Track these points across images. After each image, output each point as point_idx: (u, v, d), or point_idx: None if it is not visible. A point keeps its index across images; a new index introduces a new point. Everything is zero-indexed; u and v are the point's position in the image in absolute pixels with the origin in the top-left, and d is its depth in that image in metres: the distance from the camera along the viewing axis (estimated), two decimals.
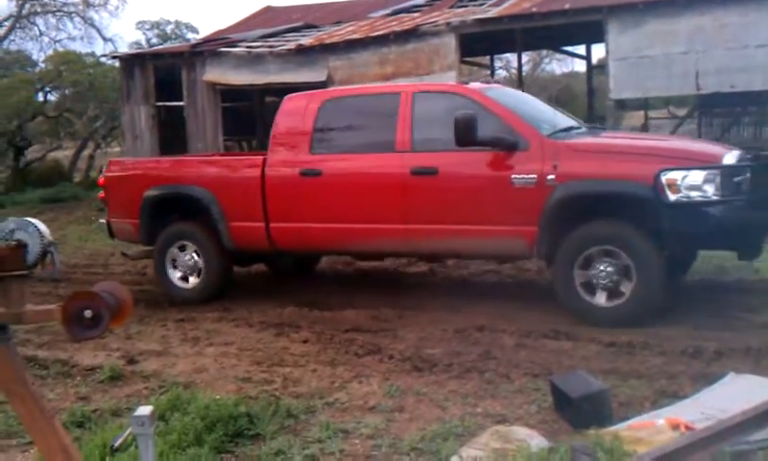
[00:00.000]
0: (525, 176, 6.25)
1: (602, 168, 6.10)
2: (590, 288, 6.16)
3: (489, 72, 25.13)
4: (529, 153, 6.28)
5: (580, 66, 29.04)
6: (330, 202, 7.05)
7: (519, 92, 8.43)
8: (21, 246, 2.42)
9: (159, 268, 7.89)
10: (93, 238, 13.40)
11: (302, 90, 8.30)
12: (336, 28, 19.05)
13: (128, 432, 2.50)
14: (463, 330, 6.10)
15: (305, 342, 6.05)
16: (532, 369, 5.09)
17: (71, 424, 4.47)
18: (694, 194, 5.82)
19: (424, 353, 5.54)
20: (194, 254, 7.74)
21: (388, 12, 19.65)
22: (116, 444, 2.51)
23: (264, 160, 7.41)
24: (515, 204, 6.29)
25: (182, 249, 7.80)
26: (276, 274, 9.15)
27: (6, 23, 27.26)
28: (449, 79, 15.60)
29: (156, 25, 38.05)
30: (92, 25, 28.65)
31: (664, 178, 5.81)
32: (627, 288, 6.02)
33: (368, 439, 4.09)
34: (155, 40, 36.58)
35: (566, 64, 39.05)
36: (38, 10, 27.82)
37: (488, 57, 24.81)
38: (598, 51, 23.04)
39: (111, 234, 8.55)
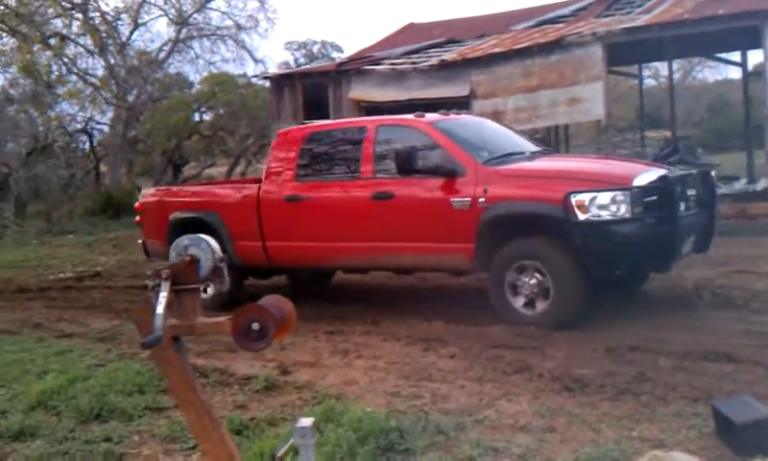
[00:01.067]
0: (461, 199, 7.16)
1: (521, 191, 6.97)
2: (519, 298, 6.99)
3: (636, 81, 24.31)
4: (465, 178, 7.19)
5: (734, 73, 27.56)
6: (309, 223, 8.15)
7: (479, 121, 9.12)
8: (194, 261, 2.55)
9: None
10: None
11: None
12: (479, 42, 19.01)
13: (290, 443, 2.57)
14: (614, 350, 5.92)
15: (452, 357, 6.04)
16: (691, 392, 4.85)
17: (230, 431, 4.64)
18: (603, 213, 6.53)
19: (575, 373, 5.40)
20: None
21: (531, 23, 19.43)
22: (278, 454, 2.58)
23: (259, 187, 8.57)
24: (455, 224, 7.19)
25: None
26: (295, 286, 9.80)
27: (165, 48, 28.99)
28: (596, 90, 15.23)
29: (303, 45, 39.40)
30: (244, 47, 29.93)
31: (574, 199, 6.54)
32: (547, 299, 6.81)
33: (519, 459, 4.03)
34: (302, 60, 37.85)
35: (719, 72, 37.23)
36: (195, 34, 29.34)
37: (635, 65, 24.00)
38: (754, 57, 21.75)
39: (147, 253, 9.76)
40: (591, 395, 4.95)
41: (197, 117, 30.00)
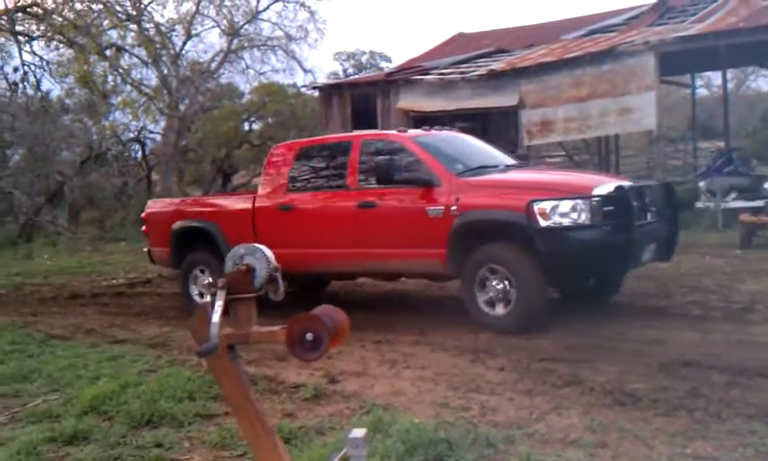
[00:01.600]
0: (436, 207, 7.68)
1: (488, 200, 7.52)
2: (488, 300, 7.42)
3: (689, 91, 23.93)
4: (440, 189, 7.71)
5: None
6: (300, 231, 8.64)
7: (457, 137, 9.48)
8: (250, 270, 2.57)
9: (183, 287, 9.68)
10: None
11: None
12: (528, 51, 18.92)
13: (342, 453, 2.57)
14: (668, 365, 5.81)
15: (501, 370, 5.99)
16: (746, 409, 4.73)
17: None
18: (564, 220, 7.07)
19: (627, 387, 5.31)
20: (209, 277, 9.34)
21: (582, 32, 19.28)
22: None
23: (254, 198, 9.22)
24: (430, 231, 7.70)
25: (203, 271, 9.47)
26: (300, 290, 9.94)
27: (217, 58, 29.40)
28: (648, 100, 15.03)
29: (351, 55, 39.62)
30: (294, 57, 30.16)
31: (536, 207, 7.06)
32: (512, 301, 7.26)
33: None
34: (350, 70, 38.08)
35: None
36: (245, 45, 29.69)
37: (687, 75, 23.63)
38: None
39: (152, 261, 10.49)
40: (644, 410, 4.86)
41: (246, 127, 30.36)
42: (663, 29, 16.68)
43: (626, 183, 7.78)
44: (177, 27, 27.57)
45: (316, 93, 21.82)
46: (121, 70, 20.73)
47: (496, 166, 8.50)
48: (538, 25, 23.61)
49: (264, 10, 28.83)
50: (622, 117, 15.57)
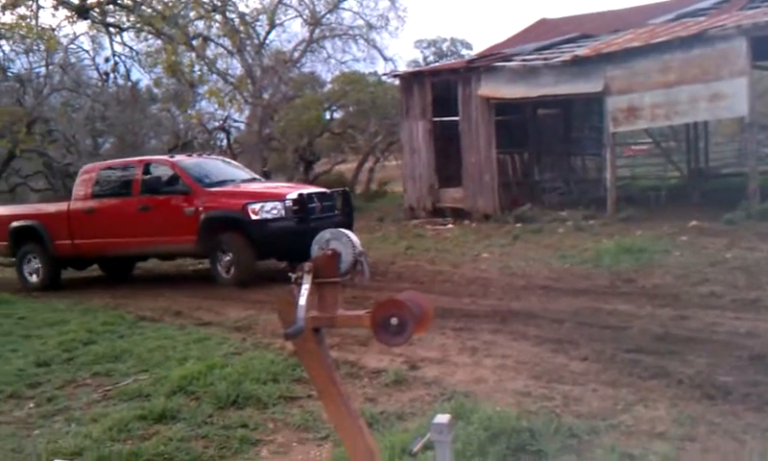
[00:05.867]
0: (189, 208, 11.43)
1: (220, 203, 11.42)
2: (223, 268, 11.27)
3: None
4: (193, 196, 11.48)
5: None
6: (100, 227, 12.24)
7: (212, 161, 13.72)
8: (336, 255, 2.60)
9: (19, 269, 13.11)
10: (376, 246, 14.15)
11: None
12: (613, 37, 18.43)
13: (426, 438, 2.58)
14: (761, 358, 5.59)
15: (585, 360, 5.90)
16: None
17: None
18: (267, 215, 10.97)
19: (717, 381, 5.15)
20: (36, 261, 12.87)
21: (670, 16, 18.65)
22: (414, 449, 2.59)
23: (68, 204, 12.73)
24: (186, 224, 11.37)
25: (34, 258, 12.93)
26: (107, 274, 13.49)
27: (299, 48, 29.71)
28: (740, 85, 14.48)
29: (432, 43, 39.36)
30: (374, 46, 30.22)
31: (249, 207, 10.97)
32: (233, 268, 11.17)
33: None
34: (431, 58, 37.86)
35: None
36: (327, 34, 29.89)
37: None
38: None
39: None
40: (734, 404, 4.71)
41: (328, 115, 30.55)
42: (757, 12, 15.97)
43: (308, 191, 11.85)
44: (260, 17, 27.98)
45: (396, 81, 21.75)
46: (207, 60, 21.13)
47: (233, 181, 12.38)
48: (623, 9, 22.96)
49: None
50: (712, 103, 15.02)
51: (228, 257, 11.12)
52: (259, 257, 11.33)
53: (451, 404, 4.74)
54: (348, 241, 2.59)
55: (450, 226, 17.30)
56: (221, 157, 14.29)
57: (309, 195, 11.52)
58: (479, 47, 37.00)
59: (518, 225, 15.65)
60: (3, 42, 18.15)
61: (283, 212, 10.94)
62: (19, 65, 20.63)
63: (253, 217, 10.86)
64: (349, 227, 11.27)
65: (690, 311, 7.33)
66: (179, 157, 12.68)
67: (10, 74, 20.30)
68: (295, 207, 11.05)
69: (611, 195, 16.26)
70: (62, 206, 12.83)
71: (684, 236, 12.20)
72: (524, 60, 18.01)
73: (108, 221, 12.16)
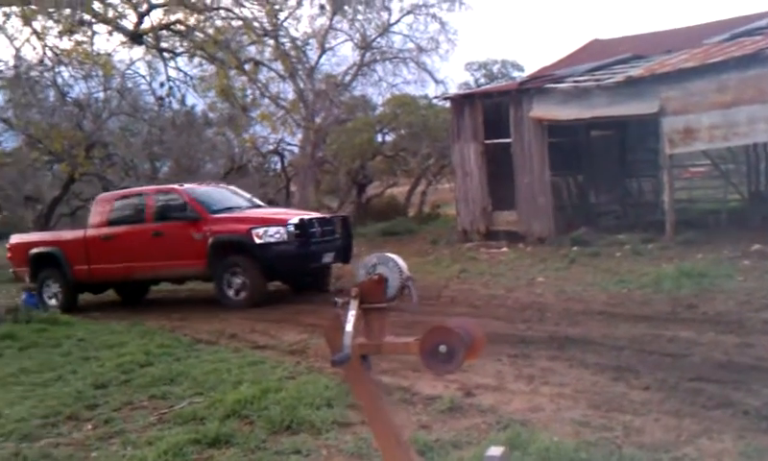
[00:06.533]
0: (198, 233, 12.15)
1: (227, 228, 12.15)
2: (232, 290, 11.88)
3: None
4: (201, 222, 12.20)
5: None
6: (116, 253, 12.90)
7: (218, 190, 14.26)
8: (382, 280, 2.53)
9: (38, 293, 13.56)
10: (429, 270, 14.05)
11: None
12: (667, 57, 18.08)
13: None
14: None
15: (646, 389, 5.70)
16: None
17: (414, 451, 4.61)
18: (271, 239, 11.64)
19: None
20: (55, 286, 13.66)
21: (725, 36, 18.22)
22: None
23: (85, 231, 13.61)
24: (196, 248, 12.07)
25: (53, 283, 13.64)
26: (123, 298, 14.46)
27: (350, 71, 29.88)
28: None
29: (483, 65, 39.09)
30: (425, 69, 30.14)
31: (254, 231, 11.69)
32: (246, 290, 11.81)
33: None
34: (482, 80, 37.61)
35: None
36: (378, 57, 29.97)
37: None
38: None
39: (17, 278, 14.70)
40: None
41: (380, 138, 30.61)
42: None
43: (309, 216, 12.65)
44: (311, 41, 28.21)
45: (447, 104, 21.67)
46: (259, 84, 21.37)
47: (240, 207, 13.14)
48: (676, 30, 22.48)
49: (395, 22, 28.98)
50: None
51: (238, 280, 11.81)
52: (267, 278, 12.06)
53: (507, 433, 4.61)
54: (394, 266, 2.53)
55: (504, 249, 17.09)
56: (225, 185, 15.43)
57: (310, 220, 12.30)
58: (530, 69, 36.56)
59: (574, 248, 15.34)
60: (63, 68, 18.55)
61: (285, 236, 11.64)
62: (78, 90, 21.09)
63: (257, 241, 11.58)
64: (348, 251, 12.91)
65: (754, 338, 7.05)
66: (188, 186, 13.45)
67: (69, 99, 20.75)
68: (296, 232, 11.72)
69: (669, 218, 15.85)
70: (79, 233, 13.72)
71: (747, 260, 11.82)
72: (576, 82, 17.78)
73: (123, 247, 12.84)
